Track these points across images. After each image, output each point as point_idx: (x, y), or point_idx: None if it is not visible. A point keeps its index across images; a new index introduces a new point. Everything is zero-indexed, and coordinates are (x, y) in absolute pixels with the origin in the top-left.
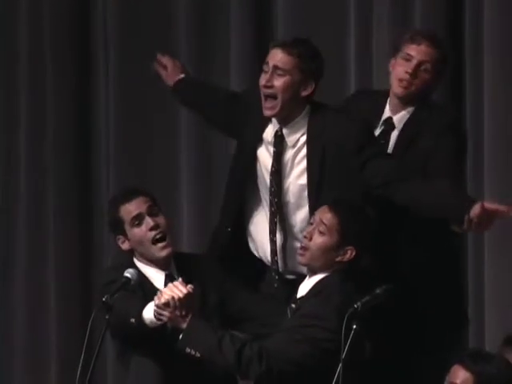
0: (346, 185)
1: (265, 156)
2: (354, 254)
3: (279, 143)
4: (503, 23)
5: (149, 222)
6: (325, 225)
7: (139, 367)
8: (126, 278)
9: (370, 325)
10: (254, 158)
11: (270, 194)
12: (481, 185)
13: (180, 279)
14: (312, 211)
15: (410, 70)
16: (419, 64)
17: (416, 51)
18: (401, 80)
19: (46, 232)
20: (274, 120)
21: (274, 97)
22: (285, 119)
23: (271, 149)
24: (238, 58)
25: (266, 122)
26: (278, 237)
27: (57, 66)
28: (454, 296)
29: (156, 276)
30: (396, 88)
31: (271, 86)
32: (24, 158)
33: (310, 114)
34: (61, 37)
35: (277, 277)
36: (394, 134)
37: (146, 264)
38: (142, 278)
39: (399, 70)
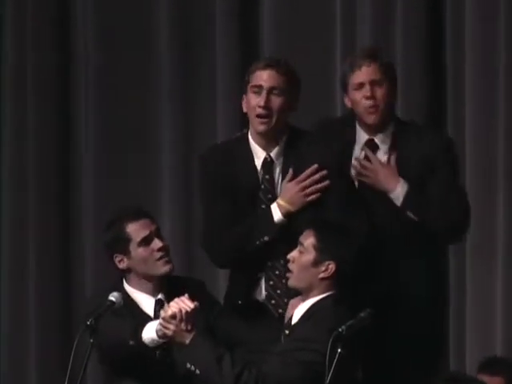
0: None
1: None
2: (334, 268)
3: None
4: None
5: (157, 242)
6: (303, 244)
7: None
8: (111, 301)
9: (359, 348)
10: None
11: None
12: None
13: (186, 295)
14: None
15: (368, 94)
16: (372, 84)
17: (362, 77)
18: (366, 108)
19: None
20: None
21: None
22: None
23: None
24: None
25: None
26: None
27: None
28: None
29: (146, 301)
30: (367, 118)
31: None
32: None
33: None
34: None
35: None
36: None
37: (137, 289)
38: (131, 304)
39: (359, 99)
